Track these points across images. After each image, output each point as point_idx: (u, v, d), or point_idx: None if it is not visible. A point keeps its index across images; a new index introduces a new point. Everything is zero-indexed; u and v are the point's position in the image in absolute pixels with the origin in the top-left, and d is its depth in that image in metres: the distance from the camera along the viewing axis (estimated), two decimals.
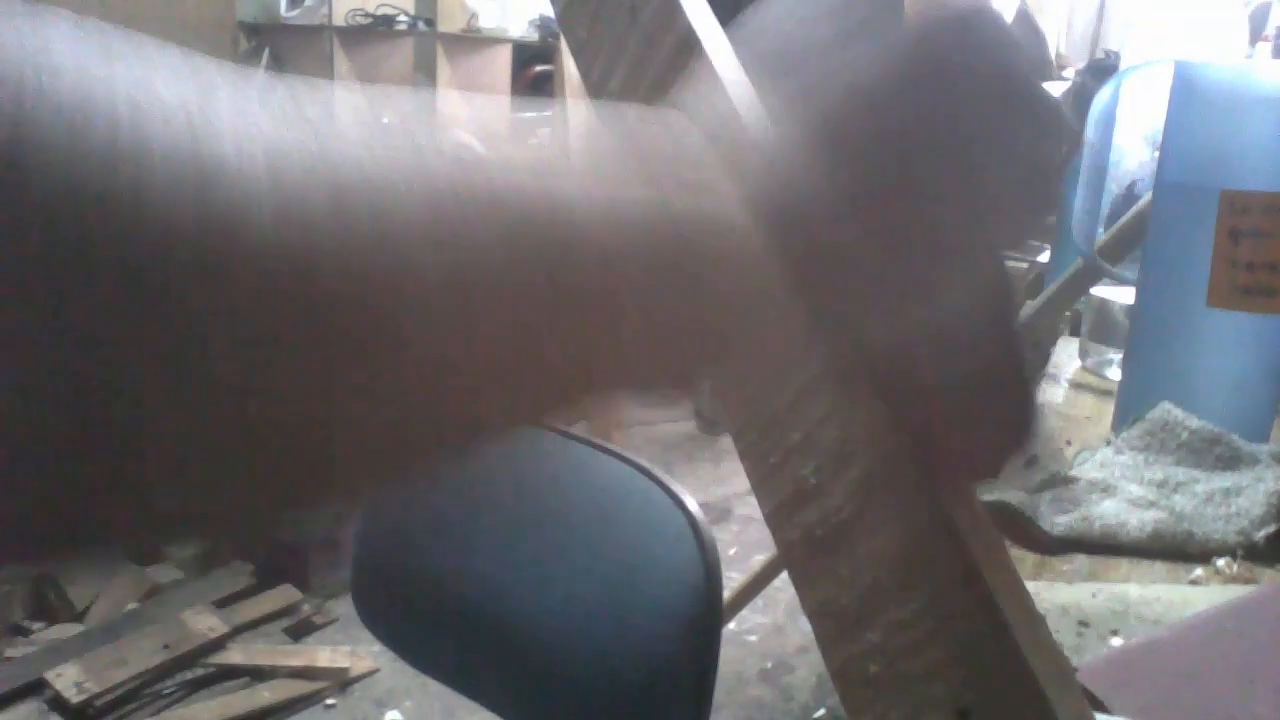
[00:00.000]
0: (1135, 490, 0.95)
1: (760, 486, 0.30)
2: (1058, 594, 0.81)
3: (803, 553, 0.29)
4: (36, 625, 2.16)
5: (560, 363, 0.22)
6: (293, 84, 0.20)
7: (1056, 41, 4.44)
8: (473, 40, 3.29)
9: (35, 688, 1.91)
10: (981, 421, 0.29)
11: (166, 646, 2.00)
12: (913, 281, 0.27)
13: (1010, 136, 0.27)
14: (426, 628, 0.94)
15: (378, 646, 1.01)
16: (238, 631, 2.12)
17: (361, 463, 0.20)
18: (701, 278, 0.24)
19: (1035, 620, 0.26)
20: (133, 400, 0.16)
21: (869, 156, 0.25)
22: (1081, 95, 3.56)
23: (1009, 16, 4.34)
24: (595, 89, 0.30)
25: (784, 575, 1.90)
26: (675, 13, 0.28)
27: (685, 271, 0.24)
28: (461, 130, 0.22)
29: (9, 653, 2.03)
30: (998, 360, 0.28)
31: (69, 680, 1.88)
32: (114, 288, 0.15)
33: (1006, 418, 0.29)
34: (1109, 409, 1.20)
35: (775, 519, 0.30)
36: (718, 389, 0.33)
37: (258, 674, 2.03)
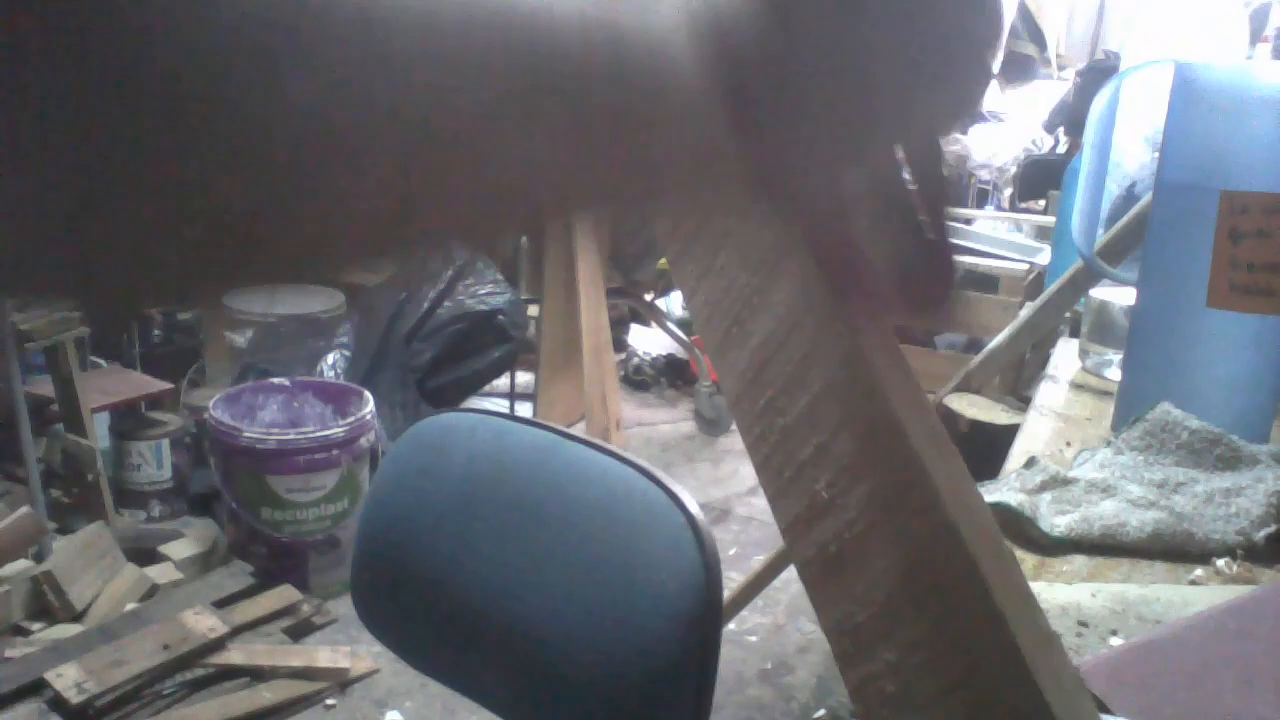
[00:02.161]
0: (1135, 491, 0.95)
1: (775, 501, 0.30)
2: (1057, 594, 0.81)
3: (818, 570, 0.29)
4: (36, 625, 2.16)
5: (520, 163, 0.23)
6: None
7: (1056, 42, 4.45)
8: None
9: (35, 688, 1.91)
10: (907, 273, 0.30)
11: (166, 647, 2.00)
12: (848, 133, 0.27)
13: (944, 10, 0.27)
14: (426, 628, 0.94)
15: (378, 647, 1.01)
16: (237, 632, 2.12)
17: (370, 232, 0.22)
18: (642, 93, 0.24)
19: (1045, 640, 0.26)
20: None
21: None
22: (1081, 96, 3.55)
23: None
24: None
25: (784, 575, 1.90)
26: None
27: (627, 85, 0.24)
28: None
29: (9, 653, 2.02)
30: (926, 223, 0.30)
31: (69, 680, 1.88)
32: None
33: (929, 267, 0.30)
34: (1109, 409, 1.20)
35: (791, 535, 0.30)
36: (731, 400, 0.33)
37: (258, 674, 2.03)
